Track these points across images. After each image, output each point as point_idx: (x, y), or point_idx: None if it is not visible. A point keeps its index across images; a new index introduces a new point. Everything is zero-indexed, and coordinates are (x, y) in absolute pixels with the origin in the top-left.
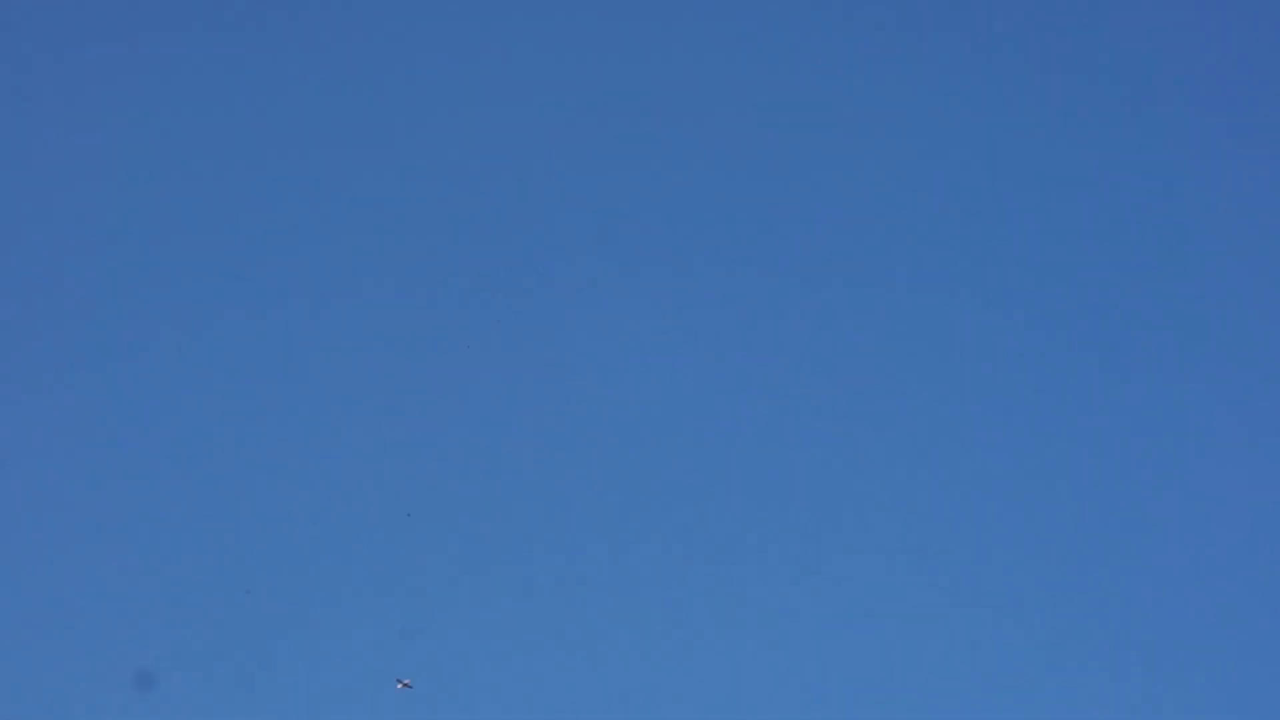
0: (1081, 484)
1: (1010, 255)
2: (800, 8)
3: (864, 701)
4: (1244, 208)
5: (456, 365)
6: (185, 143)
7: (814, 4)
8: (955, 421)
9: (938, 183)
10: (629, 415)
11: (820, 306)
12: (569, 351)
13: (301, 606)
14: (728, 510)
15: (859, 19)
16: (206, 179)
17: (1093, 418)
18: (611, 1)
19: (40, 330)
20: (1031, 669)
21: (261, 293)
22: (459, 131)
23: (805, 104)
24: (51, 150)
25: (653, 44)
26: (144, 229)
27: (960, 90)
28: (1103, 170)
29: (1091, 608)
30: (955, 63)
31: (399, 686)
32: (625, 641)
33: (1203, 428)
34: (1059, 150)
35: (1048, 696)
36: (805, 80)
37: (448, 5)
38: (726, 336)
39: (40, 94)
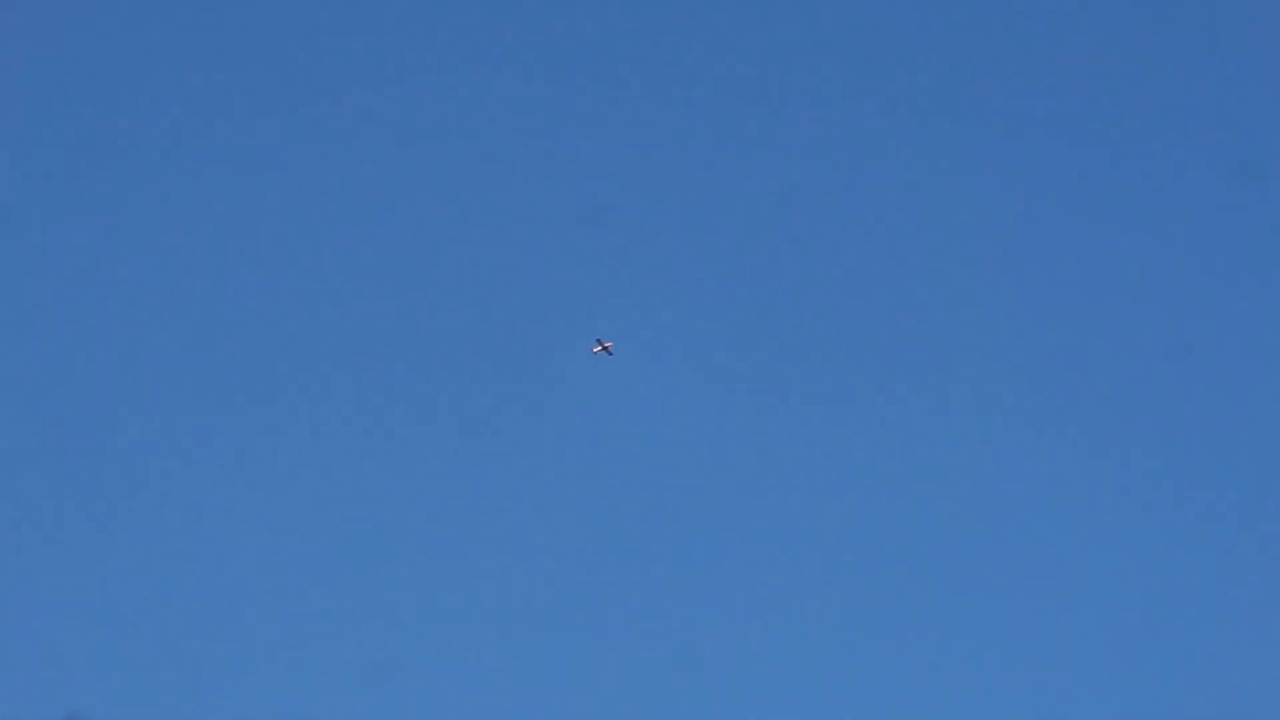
0: (1081, 483)
1: (1009, 255)
2: (801, 8)
3: (864, 701)
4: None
5: (453, 365)
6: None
7: (815, 5)
8: (953, 421)
9: (934, 180)
10: (625, 414)
11: (817, 310)
12: (564, 350)
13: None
14: (724, 508)
15: (858, 20)
16: (204, 180)
17: (1094, 419)
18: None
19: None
20: (1030, 668)
21: (252, 297)
22: (456, 130)
23: (804, 104)
24: (49, 147)
25: (652, 44)
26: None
27: (958, 91)
28: (1100, 172)
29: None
30: (954, 63)
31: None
32: (623, 641)
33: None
34: (1059, 152)
35: (1046, 695)
36: (804, 80)
37: (450, 4)
38: (724, 335)
39: (38, 92)
